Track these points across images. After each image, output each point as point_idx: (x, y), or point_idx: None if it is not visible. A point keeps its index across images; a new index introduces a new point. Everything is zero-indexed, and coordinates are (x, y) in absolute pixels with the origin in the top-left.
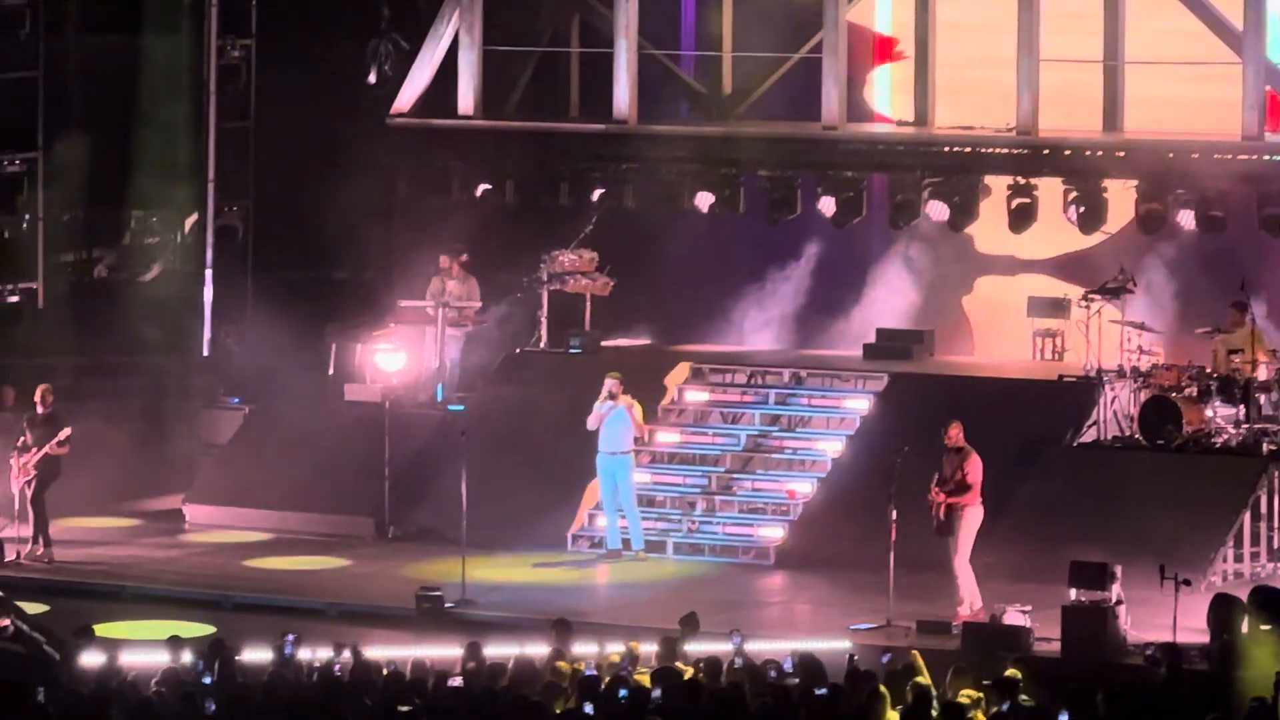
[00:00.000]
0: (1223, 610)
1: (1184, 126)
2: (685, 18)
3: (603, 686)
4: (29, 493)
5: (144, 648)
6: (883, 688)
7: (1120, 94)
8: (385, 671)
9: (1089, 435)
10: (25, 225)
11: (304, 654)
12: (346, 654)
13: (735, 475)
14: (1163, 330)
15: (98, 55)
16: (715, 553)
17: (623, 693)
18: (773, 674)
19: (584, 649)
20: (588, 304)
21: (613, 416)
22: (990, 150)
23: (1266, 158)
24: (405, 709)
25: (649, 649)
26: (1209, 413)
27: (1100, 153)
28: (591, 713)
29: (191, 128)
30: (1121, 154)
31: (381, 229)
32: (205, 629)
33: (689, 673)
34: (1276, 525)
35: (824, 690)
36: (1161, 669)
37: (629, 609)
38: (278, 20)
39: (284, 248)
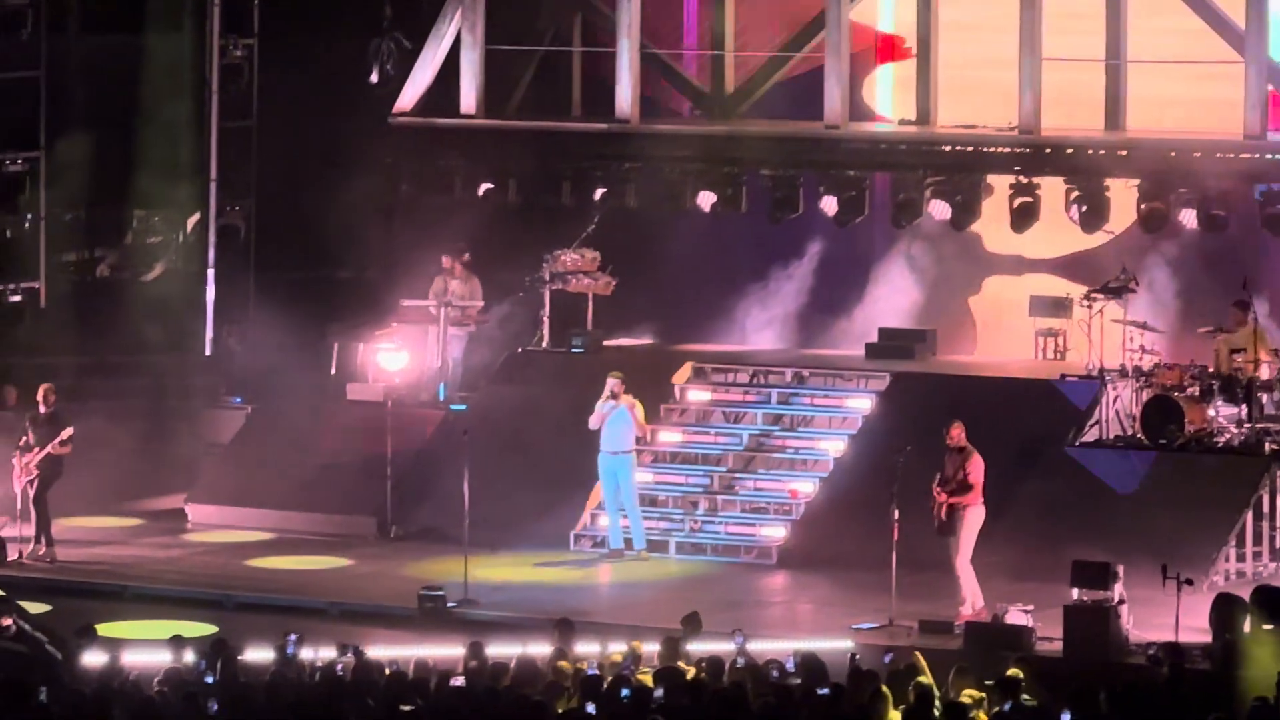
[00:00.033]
0: (1225, 610)
1: (1186, 125)
2: (687, 17)
3: (605, 686)
4: (31, 492)
5: (146, 647)
6: (885, 688)
7: (1122, 93)
8: (387, 671)
9: (1091, 434)
10: (27, 225)
11: (306, 654)
12: (349, 654)
13: (737, 475)
14: (1165, 330)
15: (100, 54)
16: (717, 552)
17: (625, 692)
18: (775, 674)
19: (586, 648)
20: (590, 303)
21: (615, 416)
22: (992, 149)
23: (1269, 156)
24: (407, 709)
25: (651, 649)
26: (1211, 412)
27: (1102, 152)
28: (594, 712)
29: (194, 127)
30: (1124, 153)
31: (383, 228)
32: (207, 629)
33: (691, 672)
34: (1279, 525)
35: (826, 690)
36: (1164, 668)
37: (631, 608)
38: (280, 19)
39: (286, 247)
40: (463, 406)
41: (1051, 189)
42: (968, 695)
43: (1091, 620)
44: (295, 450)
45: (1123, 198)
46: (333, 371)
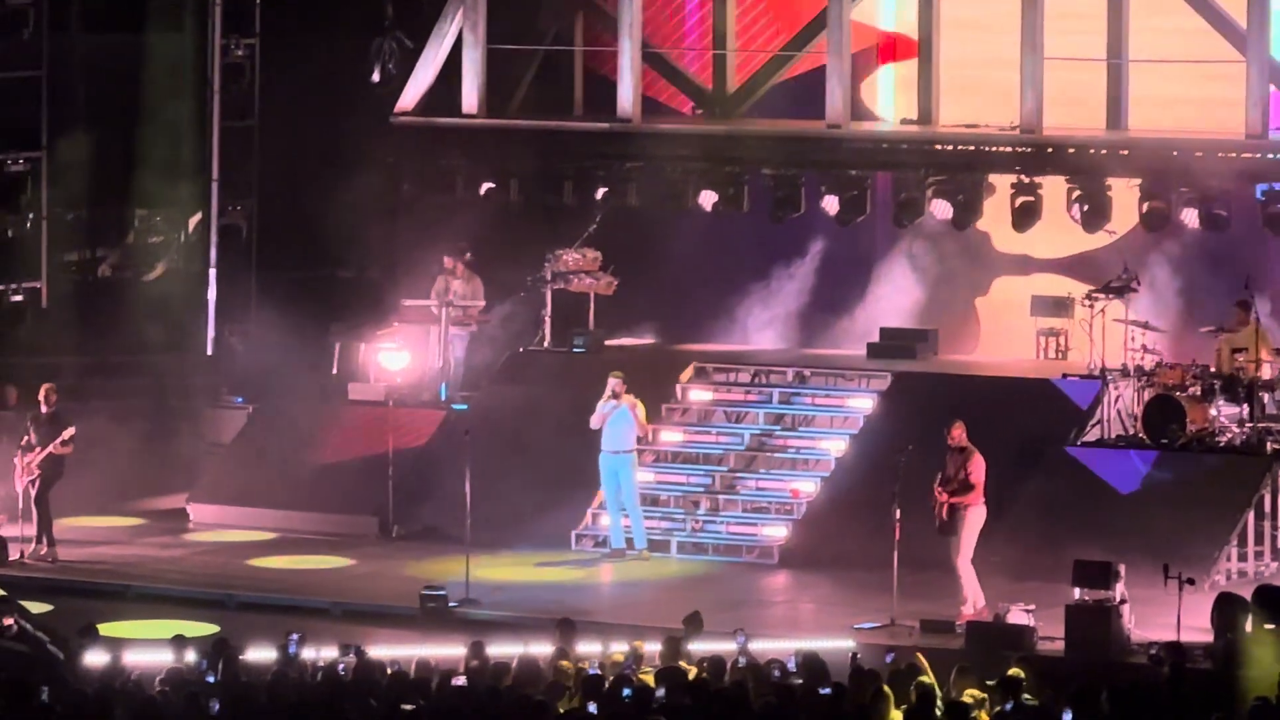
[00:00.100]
0: (1226, 609)
1: (1188, 125)
2: (689, 16)
3: (607, 686)
4: (33, 492)
5: (148, 647)
6: (886, 687)
7: (1124, 92)
8: (389, 671)
9: (1092, 434)
10: (29, 224)
11: (308, 653)
12: (351, 654)
13: (739, 474)
14: (1166, 329)
15: (101, 54)
16: (719, 552)
17: (627, 692)
18: (776, 673)
19: (588, 648)
20: (591, 303)
21: (616, 415)
22: (994, 148)
23: (1270, 156)
24: (409, 708)
25: (653, 648)
26: (1213, 412)
27: (1104, 151)
28: (595, 712)
29: (195, 126)
30: (1125, 152)
31: (385, 228)
32: (209, 628)
33: (693, 672)
34: None
35: (828, 690)
36: (1165, 668)
37: (633, 608)
38: (281, 19)
39: (288, 247)
40: (464, 406)
41: (1055, 189)
42: (969, 695)
43: (1093, 620)
44: (297, 450)
45: (1124, 197)
46: (334, 371)
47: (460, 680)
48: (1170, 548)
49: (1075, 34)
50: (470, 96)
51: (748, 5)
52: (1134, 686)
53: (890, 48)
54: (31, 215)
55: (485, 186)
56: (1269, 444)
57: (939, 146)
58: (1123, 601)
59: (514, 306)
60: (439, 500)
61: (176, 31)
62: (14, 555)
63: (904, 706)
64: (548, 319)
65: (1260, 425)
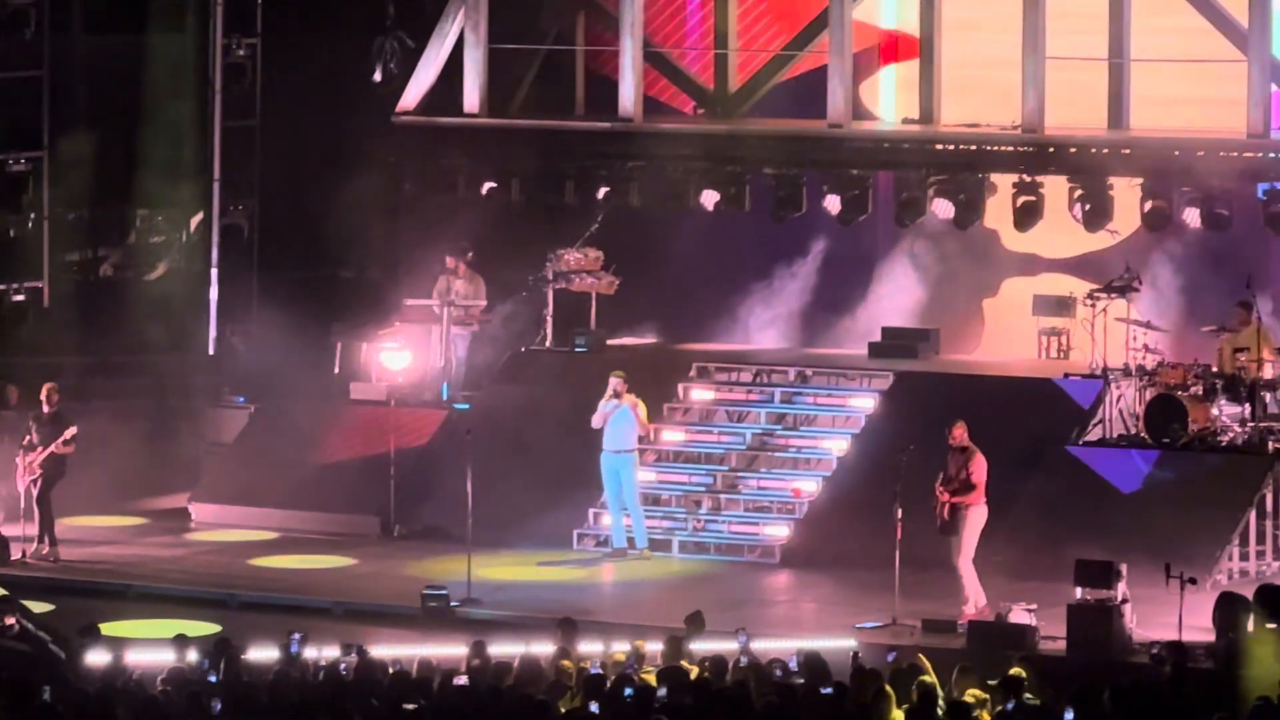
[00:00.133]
0: (1228, 609)
1: (1189, 124)
2: (690, 16)
3: (608, 685)
4: (35, 492)
5: (149, 647)
6: (888, 687)
7: (1125, 92)
8: (391, 670)
9: (1094, 434)
10: (30, 224)
11: (310, 653)
12: (352, 654)
13: (741, 474)
14: (1168, 328)
15: (103, 54)
16: (721, 551)
17: (628, 691)
18: (778, 673)
19: (589, 648)
20: (593, 303)
21: (617, 415)
22: (995, 148)
23: (1272, 155)
24: (411, 708)
25: (654, 648)
26: (1214, 411)
27: (1105, 151)
28: (597, 711)
29: (197, 126)
30: (1126, 152)
31: (387, 227)
32: (211, 628)
33: (694, 672)
34: None
35: (829, 689)
36: (1167, 667)
37: (634, 607)
38: (283, 19)
39: (289, 246)
40: (466, 406)
41: (1057, 188)
42: (971, 695)
43: (1095, 619)
44: (298, 450)
45: (1126, 197)
46: (336, 371)
47: (462, 680)
48: (1172, 547)
49: (1077, 33)
50: (472, 96)
51: (749, 5)
52: (1136, 686)
53: (892, 47)
54: (33, 215)
55: (487, 186)
56: (1270, 443)
57: (940, 146)
58: (1124, 601)
59: (515, 306)
60: (440, 500)
61: (178, 32)
62: (16, 555)
63: (905, 706)
64: (549, 318)
65: (1262, 425)
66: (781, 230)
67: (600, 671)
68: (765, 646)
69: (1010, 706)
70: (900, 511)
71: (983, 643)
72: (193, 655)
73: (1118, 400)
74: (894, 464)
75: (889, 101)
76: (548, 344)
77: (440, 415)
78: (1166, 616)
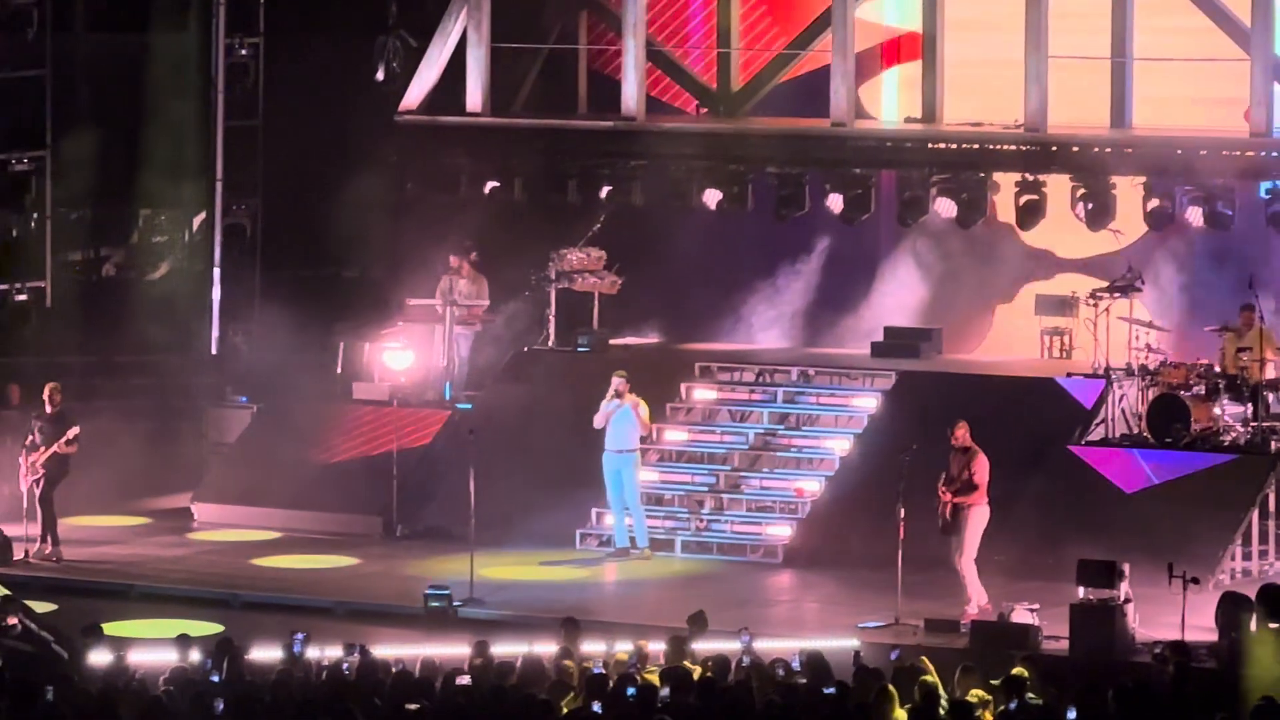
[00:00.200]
0: (1231, 608)
1: (1192, 123)
2: (693, 15)
3: (611, 685)
4: (37, 491)
5: (152, 646)
6: (890, 686)
7: (1128, 91)
8: (393, 670)
9: (1097, 433)
10: (33, 224)
11: (312, 653)
12: (355, 653)
13: (743, 473)
14: (1171, 328)
15: (105, 54)
16: (723, 551)
17: (631, 691)
18: (780, 672)
19: (592, 647)
20: (595, 302)
21: (619, 415)
22: (998, 147)
23: (1274, 154)
24: (413, 708)
25: (657, 647)
26: (1217, 411)
27: (1108, 150)
28: (600, 711)
29: (199, 126)
30: (1129, 150)
31: (389, 227)
32: (213, 628)
33: (697, 671)
34: None
35: (832, 689)
36: (1169, 667)
37: (637, 607)
38: (286, 18)
39: (292, 246)
40: (468, 405)
41: (1059, 188)
42: (974, 694)
43: (1097, 619)
44: (301, 449)
45: (1129, 197)
46: (338, 370)
47: (465, 680)
48: (1174, 547)
49: (1079, 32)
50: (474, 95)
51: (752, 4)
52: (1138, 686)
53: (894, 47)
54: (36, 215)
55: (489, 185)
56: (1273, 443)
57: (943, 145)
58: (1127, 601)
59: (518, 306)
60: (443, 499)
61: (180, 31)
62: (19, 555)
63: (908, 706)
64: (552, 318)
65: (1265, 424)
66: (784, 229)
67: (603, 671)
68: (768, 646)
69: (1013, 706)
70: (903, 511)
71: (985, 642)
72: (195, 655)
73: (1120, 400)
74: (896, 464)
75: (891, 101)
76: (550, 344)
77: (443, 415)
78: (1169, 616)
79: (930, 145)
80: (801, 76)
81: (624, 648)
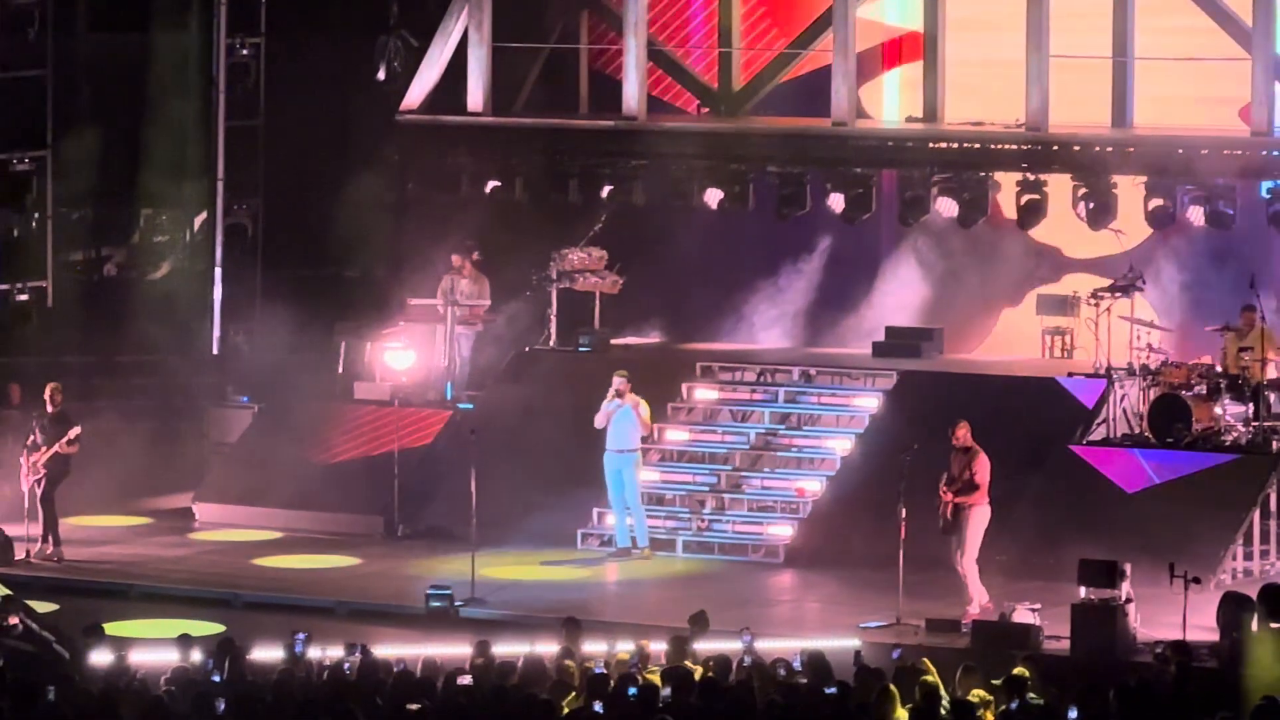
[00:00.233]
0: (1232, 608)
1: (1193, 122)
2: (694, 14)
3: (612, 685)
4: (39, 491)
5: (154, 646)
6: (892, 686)
7: (1129, 90)
8: (395, 670)
9: (1098, 433)
10: (34, 224)
11: (313, 653)
12: (356, 653)
13: (744, 473)
14: (1172, 328)
15: (106, 53)
16: (724, 551)
17: (632, 691)
18: (782, 672)
19: (593, 647)
20: (597, 302)
21: (620, 415)
22: (999, 146)
23: (1276, 154)
24: (415, 707)
25: (658, 647)
26: (1218, 410)
27: (1109, 149)
28: (601, 711)
29: (201, 126)
30: (1130, 150)
31: (391, 226)
32: (215, 627)
33: (698, 671)
34: None
35: (833, 689)
36: (1171, 667)
37: (638, 607)
38: (286, 18)
39: (293, 246)
40: (470, 405)
41: (1061, 187)
42: (975, 694)
43: (1099, 619)
44: (302, 449)
45: (1130, 196)
46: (340, 370)
47: (466, 679)
48: (1176, 546)
49: (1080, 32)
50: (475, 95)
51: (753, 3)
52: (1140, 685)
53: (895, 47)
54: (37, 215)
55: (491, 185)
56: (1275, 443)
57: (944, 144)
58: (1128, 600)
59: (519, 305)
60: (444, 499)
61: (182, 30)
62: (20, 555)
63: (909, 705)
64: (553, 318)
65: (1266, 424)
66: (785, 229)
67: (604, 671)
68: (769, 646)
69: (1014, 706)
70: (904, 511)
71: (987, 642)
72: (197, 655)
73: (1121, 400)
74: (898, 463)
75: (893, 101)
76: (552, 343)
77: (444, 415)
78: (1170, 616)
79: (931, 145)
80: (802, 76)
81: (625, 647)
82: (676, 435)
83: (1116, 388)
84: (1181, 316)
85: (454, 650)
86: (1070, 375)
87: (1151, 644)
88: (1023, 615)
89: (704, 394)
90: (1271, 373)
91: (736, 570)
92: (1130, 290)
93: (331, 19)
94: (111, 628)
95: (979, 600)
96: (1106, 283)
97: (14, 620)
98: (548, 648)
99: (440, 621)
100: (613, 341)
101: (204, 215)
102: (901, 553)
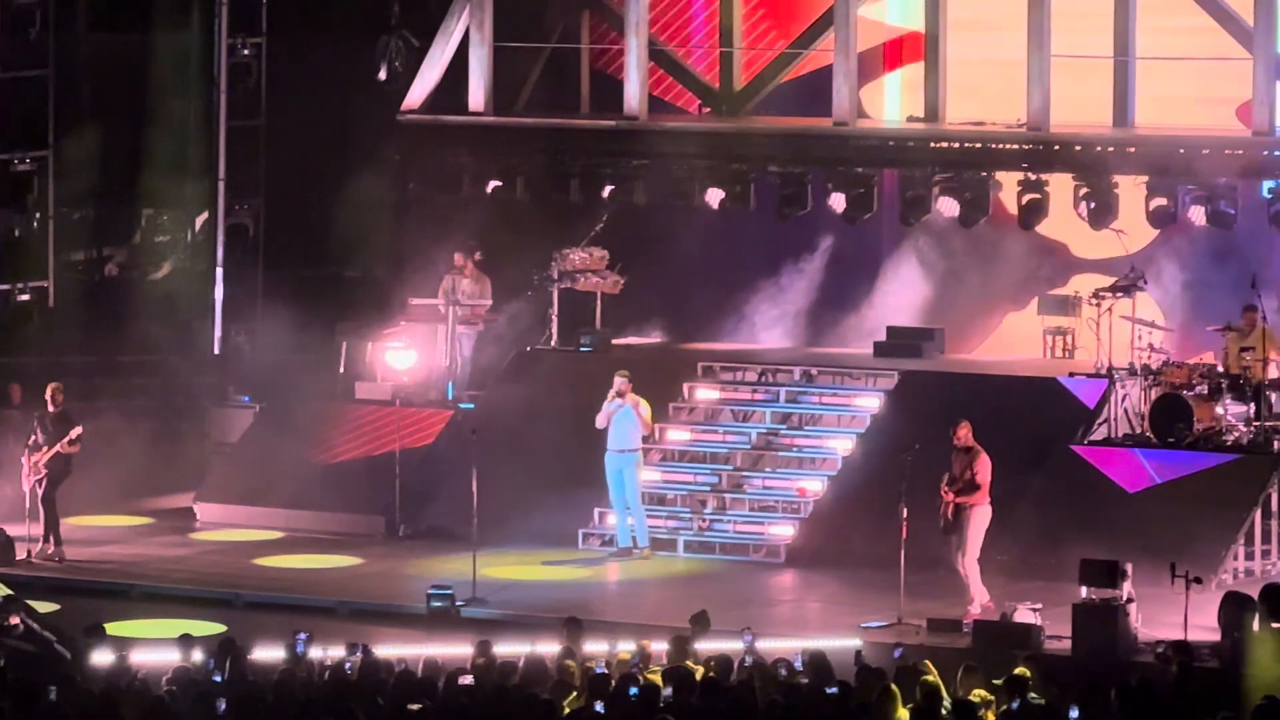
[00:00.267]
0: (1233, 608)
1: (1194, 122)
2: (696, 14)
3: (613, 685)
4: (40, 491)
5: (155, 646)
6: (893, 685)
7: (1130, 90)
8: (396, 670)
9: (1099, 433)
10: (35, 224)
11: (315, 653)
12: (357, 653)
13: (746, 473)
14: (1173, 328)
15: (107, 53)
16: (726, 551)
17: (633, 691)
18: (783, 672)
19: (595, 647)
20: (598, 302)
21: (621, 415)
22: (1001, 146)
23: (1277, 153)
24: (416, 707)
25: (660, 647)
26: (1220, 410)
27: (1110, 149)
28: (602, 711)
29: (202, 125)
30: (1132, 150)
31: (392, 226)
32: (216, 627)
33: (700, 671)
34: None
35: (834, 688)
36: (1172, 667)
37: (639, 607)
38: (288, 18)
39: (294, 245)
40: (471, 405)
41: (1063, 186)
42: (976, 694)
43: (1100, 619)
44: (303, 449)
45: (1131, 196)
46: (341, 370)
47: (467, 679)
48: (1177, 546)
49: (1082, 32)
50: (477, 94)
51: (754, 3)
52: (1141, 685)
53: (897, 47)
54: (38, 215)
55: (492, 185)
56: (1276, 443)
57: (945, 144)
58: (1129, 600)
59: (521, 305)
60: (445, 499)
61: (183, 30)
62: (21, 555)
63: (910, 705)
64: (554, 318)
65: (1267, 424)
66: (786, 229)
67: (605, 671)
68: (770, 646)
69: (1015, 706)
70: (905, 511)
71: (988, 642)
72: (198, 655)
73: (1123, 399)
74: (899, 463)
75: (894, 101)
76: (553, 343)
77: (445, 415)
78: (1171, 616)
79: (932, 144)
80: (804, 76)
81: (626, 647)
82: (678, 435)
83: (1118, 387)
84: (1183, 316)
85: (455, 650)
86: (1071, 375)
87: (1153, 644)
88: (1024, 615)
89: (705, 394)
90: (1273, 372)
91: (738, 570)
92: (1131, 290)
93: (333, 19)
94: (113, 628)
95: (980, 600)
96: (1108, 282)
97: (15, 620)
98: (549, 648)
99: (441, 621)
100: (614, 341)
101: (205, 215)
102: (903, 553)
